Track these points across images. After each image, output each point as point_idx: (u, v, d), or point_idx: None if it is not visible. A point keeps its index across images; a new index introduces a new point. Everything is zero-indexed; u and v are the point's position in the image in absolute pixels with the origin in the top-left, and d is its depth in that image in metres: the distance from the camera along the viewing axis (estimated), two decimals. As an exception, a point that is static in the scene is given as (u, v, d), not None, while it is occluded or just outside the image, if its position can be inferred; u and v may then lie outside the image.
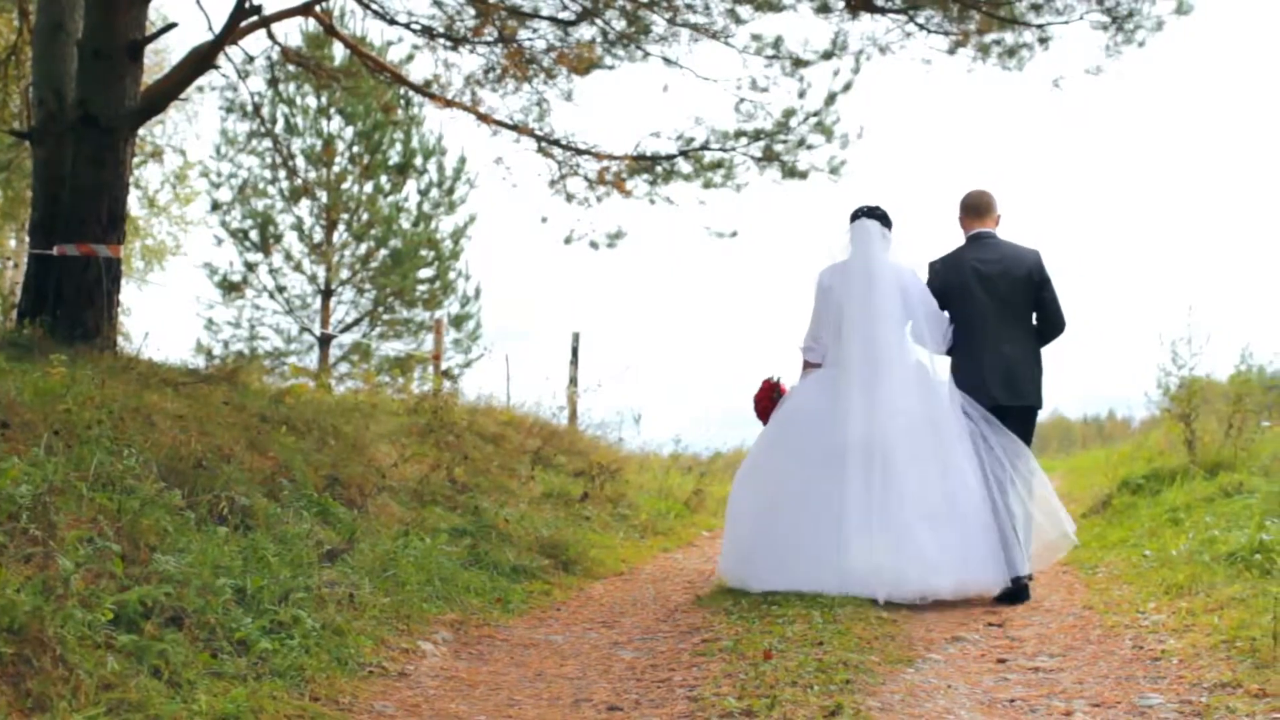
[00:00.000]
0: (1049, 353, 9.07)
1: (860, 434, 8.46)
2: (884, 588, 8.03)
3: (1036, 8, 13.46)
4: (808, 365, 9.11)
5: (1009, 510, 8.51)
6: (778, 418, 9.10)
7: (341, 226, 29.83)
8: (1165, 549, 9.16)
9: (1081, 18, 13.35)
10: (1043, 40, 13.69)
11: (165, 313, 44.87)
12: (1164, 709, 5.08)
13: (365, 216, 29.78)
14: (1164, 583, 7.98)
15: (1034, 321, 9.06)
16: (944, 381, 8.94)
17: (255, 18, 13.15)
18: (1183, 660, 5.93)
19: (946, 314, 9.05)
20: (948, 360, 9.10)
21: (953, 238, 9.41)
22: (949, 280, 9.06)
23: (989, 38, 13.79)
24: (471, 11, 14.47)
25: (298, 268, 29.78)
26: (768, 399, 9.28)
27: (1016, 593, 8.39)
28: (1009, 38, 13.78)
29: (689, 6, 14.07)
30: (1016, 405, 8.90)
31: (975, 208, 9.20)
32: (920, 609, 7.78)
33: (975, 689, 5.63)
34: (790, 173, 15.07)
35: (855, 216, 9.04)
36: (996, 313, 8.87)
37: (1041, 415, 9.24)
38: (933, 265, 9.24)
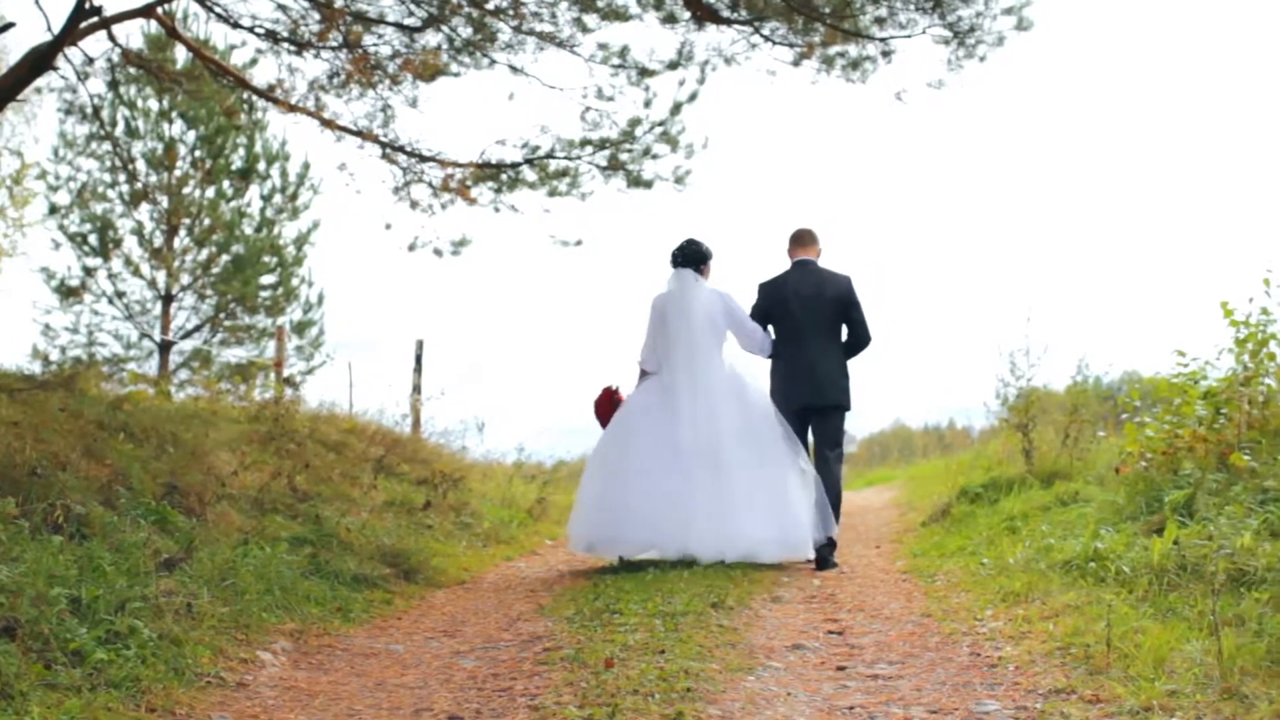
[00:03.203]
0: (877, 363, 9.92)
1: (691, 436, 10.34)
2: (720, 557, 9.99)
3: (880, 21, 13.61)
4: (644, 373, 10.91)
5: (810, 492, 10.36)
6: (622, 414, 10.80)
7: (183, 231, 29.47)
8: (1003, 557, 9.29)
9: (924, 31, 13.54)
10: (886, 53, 13.85)
11: (0, 317, 43.99)
12: (1000, 715, 5.14)
13: (207, 222, 29.46)
14: (1001, 590, 8.09)
15: (844, 336, 10.74)
16: (757, 387, 10.80)
17: (95, 19, 12.94)
18: (1019, 667, 6.01)
19: (758, 326, 10.88)
20: (768, 366, 10.83)
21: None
22: (773, 300, 10.90)
23: (833, 50, 13.92)
24: (316, 16, 14.32)
25: (137, 273, 29.36)
26: (608, 403, 10.95)
27: (823, 560, 10.30)
28: (853, 50, 13.92)
29: (536, 15, 14.04)
30: (825, 405, 10.79)
31: (800, 239, 11.07)
32: (761, 617, 7.82)
33: (815, 696, 5.67)
34: (636, 182, 15.12)
35: (674, 263, 10.88)
36: (810, 328, 10.73)
37: (883, 424, 10.30)
38: (761, 286, 11.01)
